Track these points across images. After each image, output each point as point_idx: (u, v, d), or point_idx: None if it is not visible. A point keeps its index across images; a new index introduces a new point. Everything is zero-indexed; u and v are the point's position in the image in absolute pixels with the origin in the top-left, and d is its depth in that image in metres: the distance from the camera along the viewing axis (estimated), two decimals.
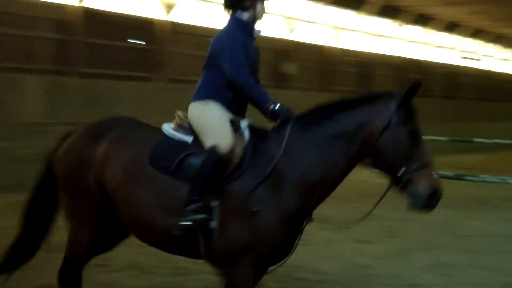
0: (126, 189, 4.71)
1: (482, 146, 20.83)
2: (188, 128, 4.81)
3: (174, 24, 19.12)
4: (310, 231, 5.19)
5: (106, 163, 4.80)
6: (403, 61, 30.96)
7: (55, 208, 5.26)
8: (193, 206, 4.43)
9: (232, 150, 4.53)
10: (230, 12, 4.95)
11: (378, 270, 7.67)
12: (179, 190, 4.56)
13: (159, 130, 4.92)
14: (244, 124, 4.76)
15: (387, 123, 4.43)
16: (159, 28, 18.76)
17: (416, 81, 4.53)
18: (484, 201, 13.89)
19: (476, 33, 36.63)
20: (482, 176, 11.46)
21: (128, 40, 18.16)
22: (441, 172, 13.76)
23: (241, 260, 4.43)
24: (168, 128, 4.88)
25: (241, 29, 4.83)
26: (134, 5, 18.08)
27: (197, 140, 4.72)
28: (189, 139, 4.75)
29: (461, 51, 36.52)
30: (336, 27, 26.31)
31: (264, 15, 4.98)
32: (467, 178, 11.34)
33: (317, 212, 4.74)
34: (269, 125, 4.86)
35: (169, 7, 18.92)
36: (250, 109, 4.95)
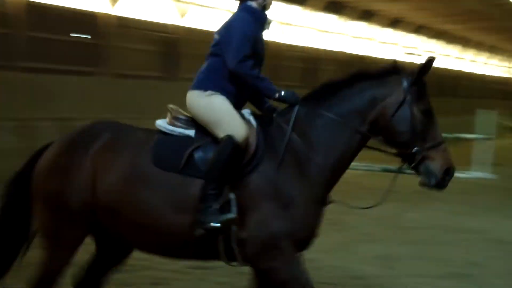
0: (131, 196, 4.39)
1: None
2: (186, 121, 4.61)
3: (119, 18, 18.90)
4: None
5: (98, 176, 4.45)
6: (347, 57, 31.28)
7: (28, 227, 4.77)
8: (215, 204, 4.22)
9: (247, 139, 4.37)
10: (239, 1, 4.73)
11: (321, 263, 7.75)
12: (192, 187, 4.34)
13: (150, 130, 4.70)
14: (247, 112, 4.62)
15: (402, 99, 4.39)
16: (104, 22, 18.52)
17: (429, 57, 4.48)
18: (426, 193, 14.12)
19: (419, 29, 37.27)
20: None
21: (72, 34, 17.88)
22: (385, 166, 14.09)
23: (283, 249, 4.26)
24: (163, 124, 4.64)
25: (253, 18, 4.62)
26: None
27: (200, 132, 4.53)
28: (190, 132, 4.55)
29: (404, 46, 37.10)
30: (282, 22, 26.40)
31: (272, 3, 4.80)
32: (410, 171, 11.49)
33: None
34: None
35: (114, 0, 18.71)
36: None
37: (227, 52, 4.49)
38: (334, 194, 4.57)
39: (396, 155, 4.51)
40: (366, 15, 31.62)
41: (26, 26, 16.26)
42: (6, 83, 15.02)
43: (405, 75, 4.47)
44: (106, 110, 16.62)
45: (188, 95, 4.65)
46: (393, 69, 4.55)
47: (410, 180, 5.10)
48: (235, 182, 4.30)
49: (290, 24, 26.96)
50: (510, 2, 29.99)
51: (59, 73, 16.73)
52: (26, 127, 14.62)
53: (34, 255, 4.77)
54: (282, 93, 4.51)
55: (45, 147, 4.76)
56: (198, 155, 4.40)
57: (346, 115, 4.43)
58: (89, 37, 18.37)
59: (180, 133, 4.55)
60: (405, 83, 4.43)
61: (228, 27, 4.60)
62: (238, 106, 4.63)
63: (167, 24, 21.03)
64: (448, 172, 4.36)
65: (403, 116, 4.38)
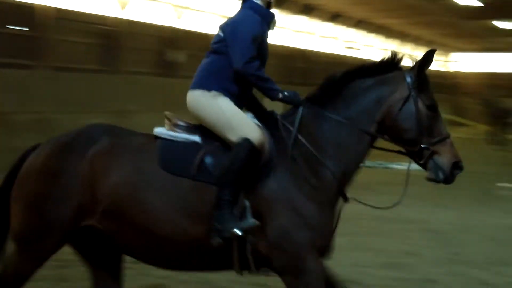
0: (137, 201, 4.18)
1: None
2: (187, 127, 4.44)
3: (58, 10, 18.60)
4: None
5: (98, 180, 4.21)
6: (288, 51, 31.50)
7: (6, 232, 4.49)
8: (233, 211, 4.06)
9: (262, 142, 4.22)
10: None
11: None
12: (205, 193, 4.15)
13: (149, 135, 4.49)
14: (250, 115, 4.46)
15: (407, 96, 4.31)
16: (42, 14, 18.20)
17: (430, 49, 4.42)
18: (364, 185, 14.37)
19: (359, 24, 37.78)
20: None
21: (9, 26, 17.52)
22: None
23: (308, 255, 4.13)
24: (163, 131, 4.43)
25: (260, 17, 4.45)
26: None
27: (206, 137, 4.35)
28: (195, 138, 4.36)
29: (345, 41, 37.58)
30: (224, 16, 26.41)
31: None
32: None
33: None
34: None
35: None
36: None
37: (233, 52, 4.33)
38: None
39: (404, 152, 4.43)
40: (307, 9, 31.88)
41: None
42: None
43: (407, 69, 4.40)
44: (45, 104, 16.38)
45: (190, 95, 4.47)
46: (393, 63, 4.45)
47: None
48: (250, 187, 4.16)
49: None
50: None
51: None
52: None
53: None
54: (286, 93, 4.40)
55: (32, 149, 4.51)
56: (209, 160, 4.24)
57: (355, 117, 4.33)
58: (27, 29, 18.04)
59: (184, 138, 4.37)
60: (408, 78, 4.35)
61: (234, 25, 4.43)
62: (239, 108, 4.47)
63: (107, 16, 20.81)
64: (457, 166, 4.30)
65: (409, 113, 4.29)
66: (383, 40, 42.28)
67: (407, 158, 4.47)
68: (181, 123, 4.45)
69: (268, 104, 4.71)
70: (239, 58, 4.29)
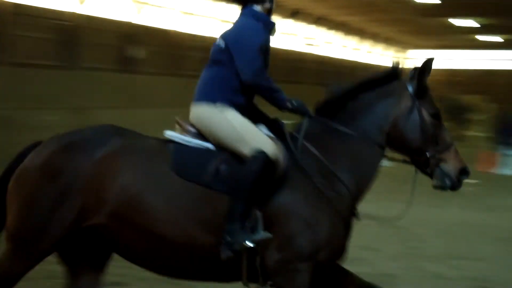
0: (148, 206, 4.06)
1: None
2: (197, 134, 4.31)
3: (15, 5, 18.35)
4: None
5: (108, 182, 4.08)
6: None
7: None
8: (247, 223, 3.98)
9: (277, 154, 4.12)
10: (241, 5, 4.49)
11: None
12: (218, 203, 4.05)
13: (159, 138, 4.39)
14: (262, 127, 4.36)
15: (411, 106, 4.32)
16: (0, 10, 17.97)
17: (428, 58, 4.42)
18: None
19: (319, 21, 38.01)
20: None
21: None
22: None
23: (301, 268, 4.07)
24: (176, 134, 4.32)
25: (263, 26, 4.36)
26: None
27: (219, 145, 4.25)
28: (208, 144, 4.25)
29: (305, 38, 37.79)
30: (185, 12, 26.36)
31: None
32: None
33: None
34: None
35: None
36: None
37: (241, 64, 4.22)
38: None
39: (410, 162, 4.42)
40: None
41: None
42: None
43: (407, 79, 4.41)
44: (4, 101, 16.15)
45: (195, 109, 4.35)
46: (393, 74, 4.45)
47: None
48: (263, 199, 4.07)
49: (192, 14, 26.95)
50: None
51: None
52: None
53: None
54: (294, 103, 4.32)
55: (32, 147, 4.34)
56: (224, 168, 4.13)
57: (365, 129, 4.32)
58: None
59: (197, 144, 4.26)
60: (410, 88, 4.37)
61: (237, 35, 4.32)
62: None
63: (65, 11, 20.59)
64: (463, 172, 4.32)
65: (414, 123, 4.31)
66: (342, 37, 42.62)
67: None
68: (192, 129, 4.32)
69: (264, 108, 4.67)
70: (248, 70, 4.20)
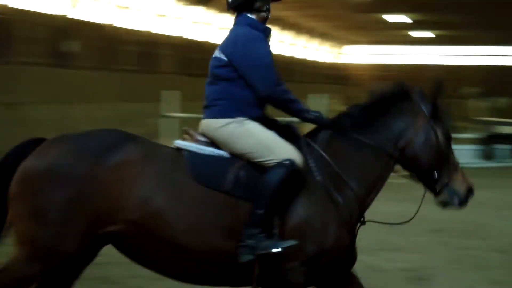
0: (169, 214, 4.00)
1: None
2: (208, 143, 4.27)
3: None
4: None
5: (126, 189, 3.98)
6: (185, 42, 31.42)
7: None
8: (273, 230, 4.02)
9: (302, 163, 4.15)
10: (236, 13, 4.46)
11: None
12: (239, 208, 4.06)
13: (169, 146, 4.36)
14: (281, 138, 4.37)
15: (427, 125, 4.43)
16: None
17: (438, 79, 4.55)
18: None
19: None
20: None
21: None
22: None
23: (299, 270, 4.13)
24: (188, 143, 4.27)
25: (264, 35, 4.34)
26: None
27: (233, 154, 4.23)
28: (222, 152, 4.22)
29: None
30: (119, 6, 26.05)
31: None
32: None
33: None
34: None
35: None
36: None
37: (256, 81, 4.20)
38: None
39: (420, 180, 4.54)
40: (204, 0, 31.88)
41: None
42: None
43: (423, 99, 4.50)
44: None
45: (211, 125, 4.29)
46: (406, 92, 4.54)
47: None
48: (282, 206, 4.11)
49: (127, 8, 26.67)
50: None
51: None
52: None
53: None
54: (314, 114, 4.38)
55: (31, 143, 4.17)
56: (243, 175, 4.13)
57: (381, 142, 4.39)
58: None
59: (211, 152, 4.24)
60: (425, 108, 4.47)
61: (242, 50, 4.24)
62: None
63: None
64: (470, 191, 4.48)
65: (430, 142, 4.42)
66: (278, 32, 42.85)
67: None
68: (203, 139, 4.29)
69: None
70: (265, 84, 4.20)
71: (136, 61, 27.15)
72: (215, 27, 34.57)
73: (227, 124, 4.22)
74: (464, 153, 15.17)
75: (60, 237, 3.93)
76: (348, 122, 4.42)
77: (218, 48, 4.38)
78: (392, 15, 37.48)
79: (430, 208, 4.56)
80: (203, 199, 4.05)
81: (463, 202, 4.49)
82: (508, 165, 18.53)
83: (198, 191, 4.06)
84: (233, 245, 4.00)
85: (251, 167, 4.16)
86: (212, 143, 4.26)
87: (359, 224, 4.45)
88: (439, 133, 4.44)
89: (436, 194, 4.49)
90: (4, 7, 20.31)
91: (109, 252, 4.30)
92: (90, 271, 4.41)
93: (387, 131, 4.42)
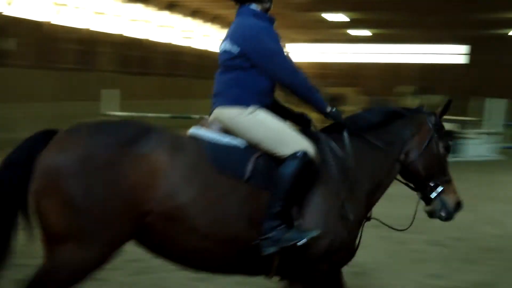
0: (197, 204, 4.00)
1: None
2: (225, 132, 4.31)
3: None
4: None
5: (156, 180, 3.96)
6: (125, 39, 31.14)
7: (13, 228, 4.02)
8: (294, 222, 4.11)
9: (314, 153, 4.23)
10: (239, 4, 4.53)
11: None
12: (261, 198, 4.11)
13: (186, 135, 4.35)
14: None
15: (430, 136, 4.69)
16: None
17: (448, 99, 4.81)
18: None
19: (195, 13, 38.04)
20: None
21: None
22: None
23: (321, 267, 4.29)
24: (205, 132, 4.31)
25: (269, 23, 4.42)
26: None
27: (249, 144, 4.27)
28: (238, 142, 4.26)
29: (182, 30, 37.71)
30: (57, 3, 25.66)
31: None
32: None
33: None
34: None
35: None
36: None
37: (275, 69, 4.27)
38: None
39: (416, 187, 4.77)
40: None
41: None
42: None
43: (428, 114, 4.80)
44: None
45: (224, 112, 4.33)
46: (417, 109, 4.86)
47: None
48: (299, 197, 4.18)
49: (66, 5, 26.29)
50: None
51: None
52: None
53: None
54: (333, 109, 4.45)
55: (44, 135, 4.06)
56: (262, 165, 4.18)
57: (391, 146, 4.62)
58: None
59: (229, 142, 4.27)
60: (430, 122, 4.74)
61: (253, 39, 4.29)
62: None
63: None
64: (458, 206, 4.73)
65: (431, 152, 4.68)
66: (218, 30, 42.86)
67: None
68: (218, 127, 4.33)
69: None
70: (286, 72, 4.29)
71: (75, 59, 26.78)
72: (154, 25, 34.36)
73: (240, 113, 4.27)
74: None
75: (104, 221, 3.87)
76: (361, 123, 4.60)
77: (226, 40, 4.43)
78: (331, 13, 37.89)
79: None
80: (227, 190, 4.08)
81: (450, 215, 4.73)
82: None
83: (222, 182, 4.08)
84: (255, 235, 4.07)
85: (268, 157, 4.22)
86: (226, 131, 4.30)
87: (364, 220, 4.60)
88: (440, 145, 4.72)
89: (428, 202, 4.73)
90: None
91: None
92: None
93: (395, 136, 4.66)
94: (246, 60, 4.29)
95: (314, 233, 4.05)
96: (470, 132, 19.03)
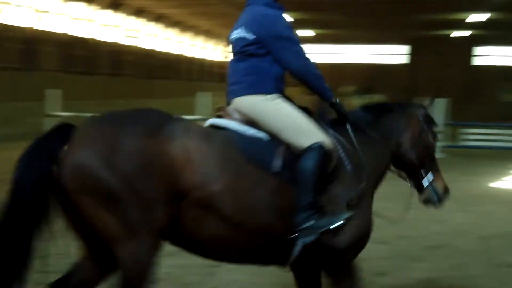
0: (229, 194, 4.02)
1: None
2: (247, 122, 4.33)
3: None
4: None
5: (189, 168, 3.94)
6: (69, 38, 30.73)
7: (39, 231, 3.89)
8: (323, 209, 4.20)
9: (332, 145, 4.32)
10: None
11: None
12: (289, 190, 4.17)
13: (209, 126, 4.39)
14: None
15: (421, 127, 4.91)
16: None
17: (433, 96, 5.10)
18: None
19: (139, 12, 37.77)
20: None
21: None
22: None
23: (349, 255, 4.41)
24: (230, 123, 4.32)
25: (280, 11, 4.51)
26: None
27: (271, 136, 4.31)
28: (262, 134, 4.29)
29: (126, 29, 37.40)
30: (2, 2, 25.20)
31: None
32: None
33: None
34: None
35: None
36: None
37: (288, 55, 4.36)
38: None
39: (408, 176, 4.98)
40: None
41: None
42: None
43: (418, 107, 5.03)
44: None
45: (244, 101, 4.38)
46: (407, 103, 5.08)
47: None
48: (320, 189, 4.23)
49: (8, 4, 25.82)
50: None
51: None
52: None
53: None
54: (337, 100, 4.59)
55: (59, 132, 3.97)
56: (287, 157, 4.23)
57: (387, 138, 4.79)
58: None
59: (255, 133, 4.30)
60: (420, 114, 4.98)
61: (267, 26, 4.38)
62: None
63: None
64: (446, 191, 4.97)
65: (422, 142, 4.89)
66: (163, 29, 42.67)
67: None
68: (239, 117, 4.36)
69: None
70: (298, 58, 4.38)
71: (17, 58, 26.30)
72: (98, 24, 34.00)
73: (261, 100, 4.34)
74: None
75: (148, 208, 3.83)
76: (360, 117, 4.77)
77: (239, 28, 4.49)
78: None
79: None
80: (257, 180, 4.11)
81: (440, 201, 4.98)
82: None
83: (252, 172, 4.11)
84: (283, 225, 4.14)
85: (291, 150, 4.26)
86: (248, 122, 4.33)
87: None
88: (429, 135, 4.95)
89: (420, 191, 4.96)
90: None
91: None
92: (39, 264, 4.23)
93: (390, 128, 4.84)
94: (261, 46, 4.37)
95: (348, 214, 4.20)
96: None
